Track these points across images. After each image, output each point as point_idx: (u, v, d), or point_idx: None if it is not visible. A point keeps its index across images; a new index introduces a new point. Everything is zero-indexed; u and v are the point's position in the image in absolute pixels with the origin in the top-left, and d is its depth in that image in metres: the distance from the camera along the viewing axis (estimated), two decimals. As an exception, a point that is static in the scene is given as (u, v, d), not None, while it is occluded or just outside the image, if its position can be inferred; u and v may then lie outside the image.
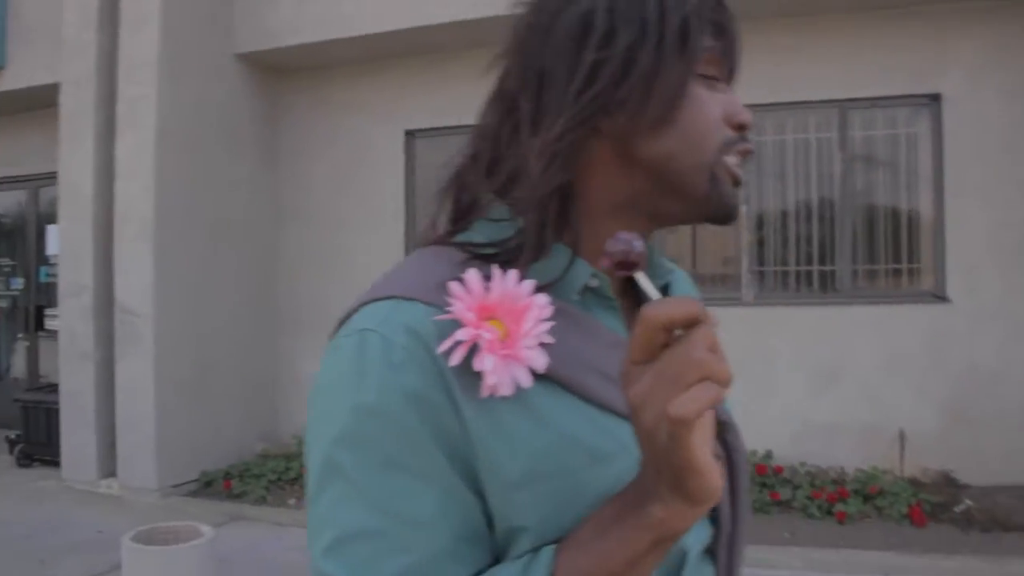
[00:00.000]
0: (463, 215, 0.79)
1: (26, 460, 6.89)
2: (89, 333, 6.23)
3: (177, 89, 6.13)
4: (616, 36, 0.72)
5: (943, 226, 5.62)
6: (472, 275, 0.67)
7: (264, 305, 6.99)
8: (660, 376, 0.56)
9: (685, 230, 6.34)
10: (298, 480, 5.99)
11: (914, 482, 5.40)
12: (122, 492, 5.97)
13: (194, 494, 5.98)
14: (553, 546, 0.67)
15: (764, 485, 5.44)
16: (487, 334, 0.65)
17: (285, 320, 7.01)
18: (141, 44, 6.11)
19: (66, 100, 6.43)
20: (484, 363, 0.65)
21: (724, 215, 0.78)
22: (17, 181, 8.42)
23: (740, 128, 0.78)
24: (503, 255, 0.72)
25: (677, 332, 0.57)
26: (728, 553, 0.81)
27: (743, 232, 6.00)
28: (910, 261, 5.82)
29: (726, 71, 0.79)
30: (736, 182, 0.78)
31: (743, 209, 5.89)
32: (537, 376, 0.68)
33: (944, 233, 5.62)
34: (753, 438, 5.62)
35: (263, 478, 6.03)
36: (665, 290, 0.86)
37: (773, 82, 5.77)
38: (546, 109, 0.74)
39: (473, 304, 0.66)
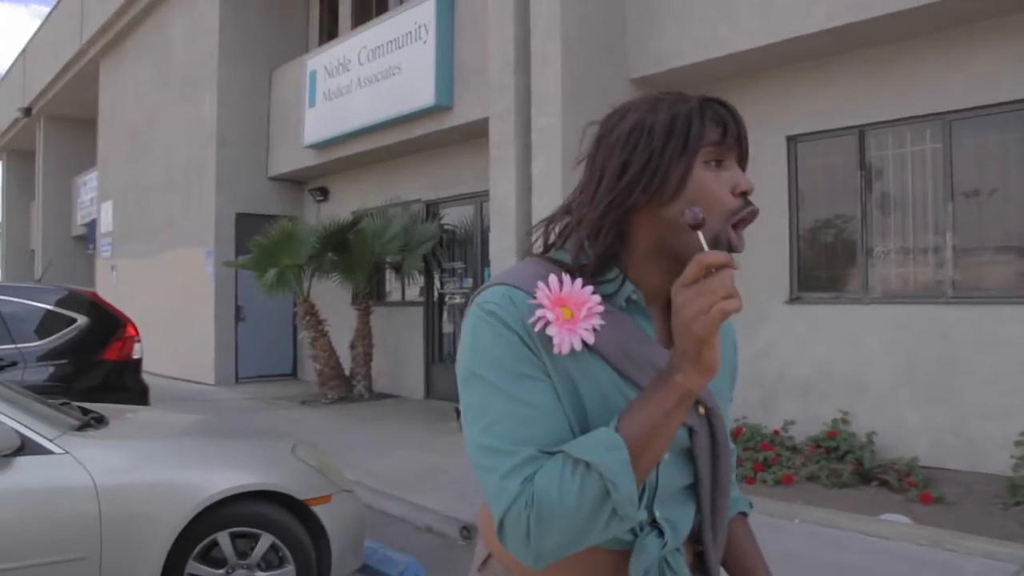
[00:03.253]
0: (554, 243, 1.18)
1: (467, 427, 8.27)
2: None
3: (578, 117, 6.91)
4: (639, 143, 1.09)
5: None
6: (552, 278, 1.03)
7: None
8: (702, 290, 0.93)
9: None
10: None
11: None
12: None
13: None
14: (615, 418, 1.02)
15: None
16: (552, 314, 1.02)
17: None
18: (547, 80, 7.08)
19: (493, 131, 7.66)
20: (551, 331, 1.02)
21: None
22: (464, 198, 10.19)
23: (742, 195, 1.10)
24: (579, 271, 1.08)
25: (712, 271, 0.94)
26: (711, 503, 1.18)
27: None
28: None
29: (735, 155, 1.12)
30: (731, 249, 1.08)
31: None
32: (590, 348, 1.05)
33: None
34: None
35: None
36: None
37: None
38: (600, 194, 1.11)
39: (551, 295, 1.03)
